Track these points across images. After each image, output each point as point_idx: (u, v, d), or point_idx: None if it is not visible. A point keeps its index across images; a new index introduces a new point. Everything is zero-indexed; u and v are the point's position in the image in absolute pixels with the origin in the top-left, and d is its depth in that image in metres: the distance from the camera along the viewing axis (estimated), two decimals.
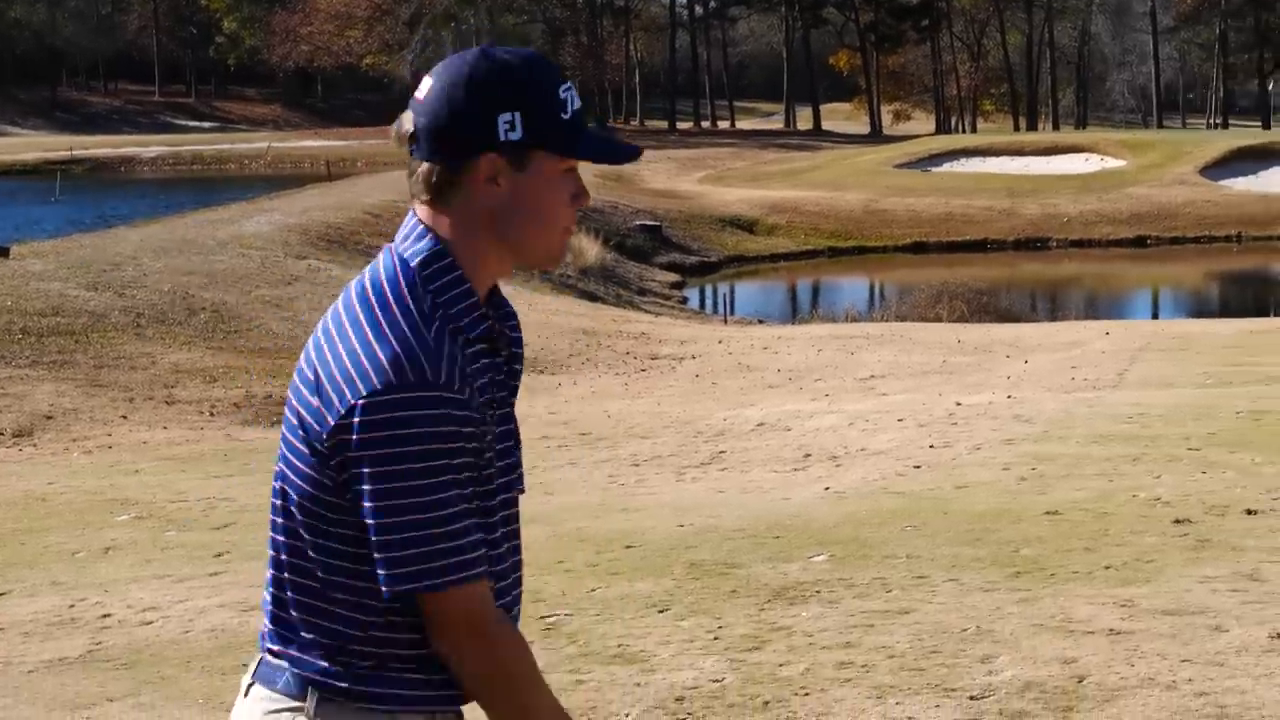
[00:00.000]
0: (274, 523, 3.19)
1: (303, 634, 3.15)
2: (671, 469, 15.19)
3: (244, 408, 19.96)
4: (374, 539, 2.98)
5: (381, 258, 3.14)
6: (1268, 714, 6.68)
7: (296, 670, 3.15)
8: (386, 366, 2.95)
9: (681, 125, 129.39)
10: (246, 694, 3.24)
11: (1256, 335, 27.78)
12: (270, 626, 3.23)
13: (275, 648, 3.20)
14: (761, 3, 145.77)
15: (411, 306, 3.03)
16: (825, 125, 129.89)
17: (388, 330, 2.99)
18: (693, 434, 17.09)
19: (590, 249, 43.33)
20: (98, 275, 26.89)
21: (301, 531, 3.11)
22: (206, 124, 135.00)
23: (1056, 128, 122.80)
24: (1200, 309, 44.36)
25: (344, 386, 2.97)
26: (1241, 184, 65.20)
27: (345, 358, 2.99)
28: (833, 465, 14.85)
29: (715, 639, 8.02)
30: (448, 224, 3.10)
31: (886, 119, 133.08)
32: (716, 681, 7.23)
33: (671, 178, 72.04)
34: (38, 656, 8.39)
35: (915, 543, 10.29)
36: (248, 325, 25.41)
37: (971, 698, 7.09)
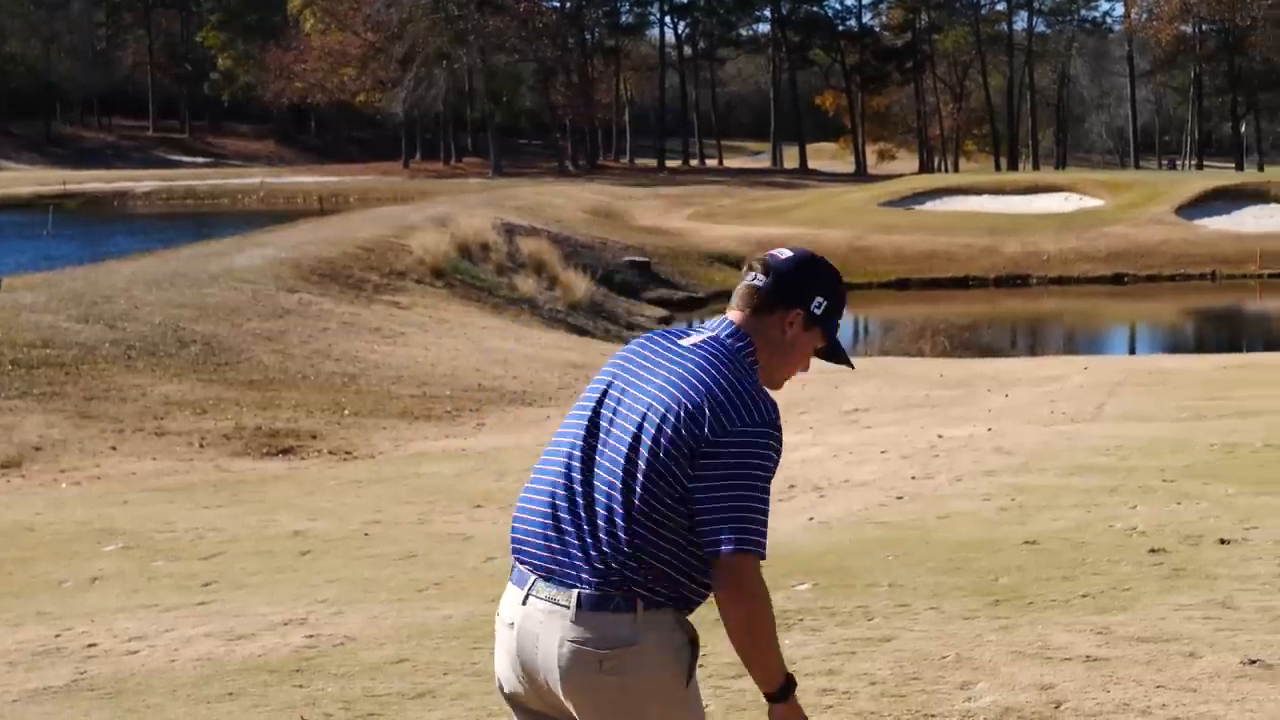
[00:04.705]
0: (613, 498, 4.23)
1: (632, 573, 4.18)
2: None
3: (234, 439, 19.90)
4: (718, 514, 4.15)
5: (704, 338, 4.41)
6: None
7: (625, 590, 4.18)
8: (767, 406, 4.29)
9: (670, 163, 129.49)
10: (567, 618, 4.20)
11: (1230, 371, 27.82)
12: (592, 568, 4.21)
13: (598, 580, 4.19)
14: (749, 44, 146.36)
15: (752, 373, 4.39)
16: (811, 164, 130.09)
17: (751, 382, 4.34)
18: None
19: (579, 284, 43.31)
20: (89, 308, 26.81)
21: (644, 508, 4.19)
22: (200, 159, 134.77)
23: (1037, 168, 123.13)
24: (1176, 345, 44.39)
25: (734, 414, 4.23)
26: (1216, 223, 65.38)
27: (730, 392, 4.26)
28: (817, 496, 14.82)
29: (700, 666, 7.97)
30: (754, 332, 4.45)
31: (871, 158, 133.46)
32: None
33: (660, 215, 72.07)
34: (22, 686, 8.32)
35: (897, 571, 10.27)
36: (238, 357, 25.34)
37: None
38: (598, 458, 4.30)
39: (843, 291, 4.54)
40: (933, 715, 7.19)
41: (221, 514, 14.46)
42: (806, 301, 4.44)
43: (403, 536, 12.81)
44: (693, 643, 4.25)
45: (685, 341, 4.42)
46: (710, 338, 4.40)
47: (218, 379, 23.72)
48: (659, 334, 4.54)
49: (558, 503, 4.32)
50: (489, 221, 49.45)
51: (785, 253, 4.50)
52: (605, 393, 4.41)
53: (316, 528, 13.41)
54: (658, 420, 4.21)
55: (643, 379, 4.35)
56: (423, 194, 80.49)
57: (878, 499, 14.09)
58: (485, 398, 24.91)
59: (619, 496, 4.20)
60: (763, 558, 4.16)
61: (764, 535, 4.17)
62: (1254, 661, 7.84)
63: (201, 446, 19.40)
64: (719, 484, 4.15)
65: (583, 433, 4.37)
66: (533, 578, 4.28)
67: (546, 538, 4.30)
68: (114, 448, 19.04)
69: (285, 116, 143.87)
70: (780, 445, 4.31)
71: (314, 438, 20.30)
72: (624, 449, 4.23)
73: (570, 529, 4.26)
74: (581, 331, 38.76)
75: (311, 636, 9.10)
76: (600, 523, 4.21)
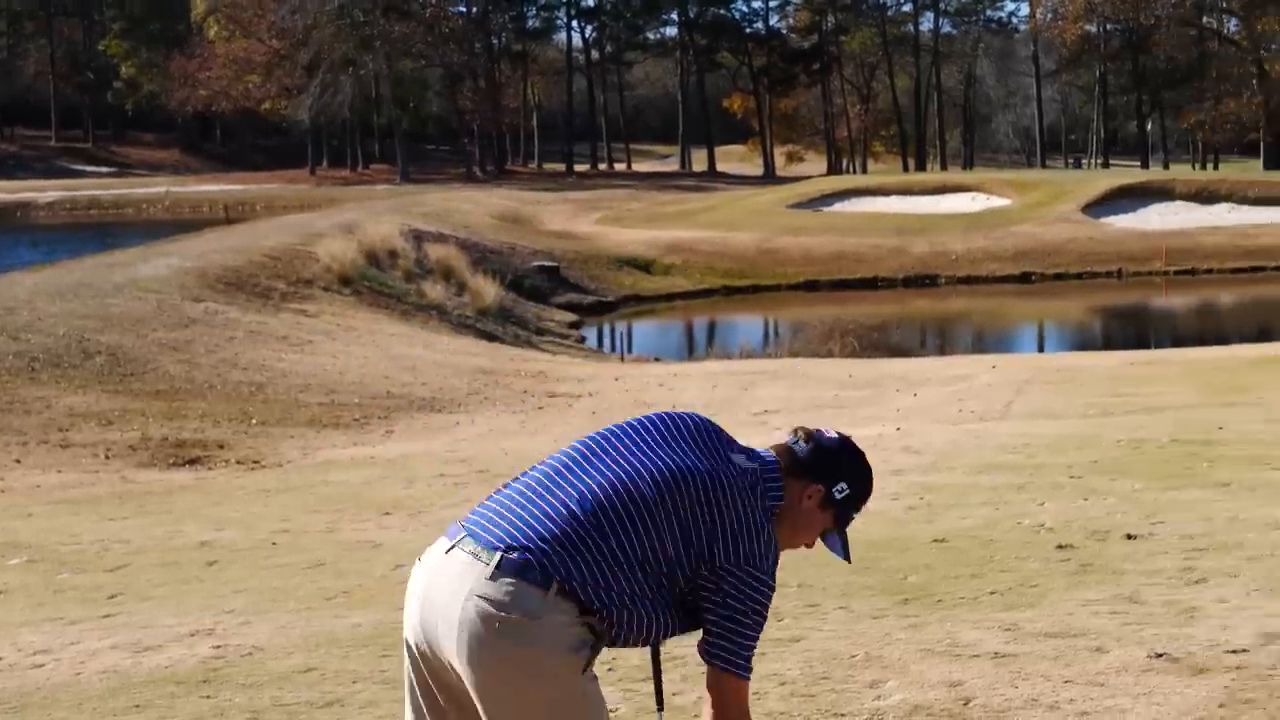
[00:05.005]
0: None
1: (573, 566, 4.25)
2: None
3: (140, 450, 19.76)
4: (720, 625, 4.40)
5: (754, 466, 4.55)
6: None
7: (550, 570, 4.22)
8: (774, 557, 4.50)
9: (579, 168, 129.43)
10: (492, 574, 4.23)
11: (1137, 367, 28.05)
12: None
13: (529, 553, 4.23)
14: (657, 47, 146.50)
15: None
16: (720, 167, 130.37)
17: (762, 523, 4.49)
18: None
19: (488, 290, 43.23)
20: None
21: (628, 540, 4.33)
22: (104, 169, 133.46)
23: (944, 168, 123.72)
24: (1084, 342, 44.72)
25: (738, 551, 4.39)
26: (1122, 221, 65.91)
27: (738, 533, 4.40)
28: None
29: (610, 669, 7.98)
30: (785, 485, 4.58)
31: (779, 160, 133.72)
32: (611, 711, 7.18)
33: (569, 219, 72.02)
34: None
35: (806, 571, 10.28)
36: (144, 368, 25.15)
37: None
38: (608, 468, 4.41)
39: (868, 490, 4.77)
40: (842, 714, 7.21)
41: (127, 525, 14.35)
42: (831, 482, 4.63)
43: (311, 545, 12.75)
44: (595, 642, 4.24)
45: (736, 458, 4.57)
46: (756, 469, 4.57)
47: (123, 390, 23.54)
48: (715, 428, 4.67)
49: (535, 483, 4.42)
50: (396, 228, 49.27)
51: (832, 434, 4.73)
52: (649, 427, 4.59)
53: (224, 538, 13.33)
54: (689, 502, 4.38)
55: (688, 450, 4.51)
56: (330, 201, 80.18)
57: None
58: (394, 405, 24.83)
59: (610, 514, 4.30)
60: (746, 679, 4.51)
61: (749, 658, 4.47)
62: (1160, 655, 7.90)
63: (107, 458, 19.26)
64: (723, 604, 4.40)
65: (607, 442, 4.52)
66: (464, 534, 4.32)
67: (502, 508, 4.37)
68: (18, 460, 18.87)
69: (190, 125, 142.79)
70: (774, 587, 4.53)
71: (221, 447, 20.18)
72: (641, 484, 4.38)
73: (533, 509, 4.32)
74: (491, 337, 38.69)
75: (219, 647, 9.04)
76: (567, 516, 4.27)
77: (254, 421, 22.10)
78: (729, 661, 4.37)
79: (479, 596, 4.14)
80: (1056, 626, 8.61)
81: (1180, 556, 10.37)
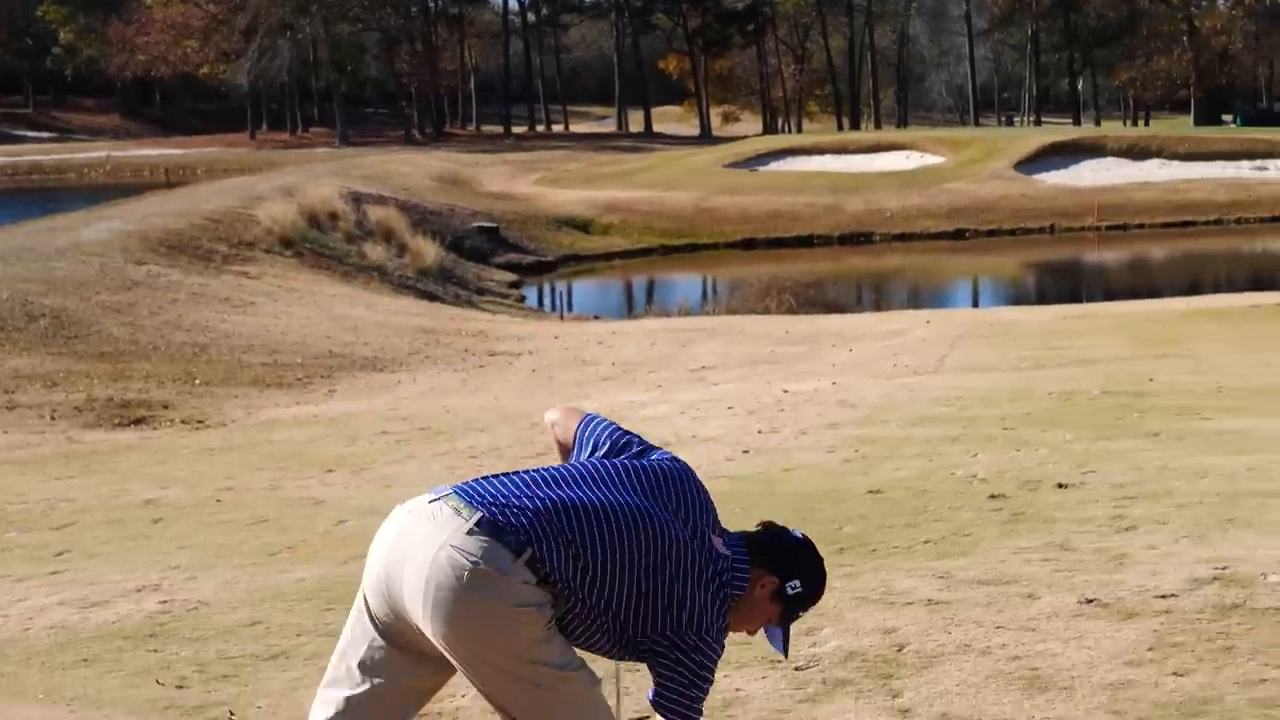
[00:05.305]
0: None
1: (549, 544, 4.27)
2: (508, 461, 15.14)
3: (85, 411, 19.67)
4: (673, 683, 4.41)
5: (724, 554, 4.56)
6: (1077, 675, 6.77)
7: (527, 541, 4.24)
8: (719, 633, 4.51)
9: (516, 129, 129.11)
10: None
11: (1069, 321, 28.21)
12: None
13: (511, 520, 4.26)
14: (592, 9, 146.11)
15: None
16: (656, 128, 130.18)
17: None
18: (529, 426, 17.04)
19: (428, 251, 43.10)
20: None
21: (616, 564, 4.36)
22: (45, 134, 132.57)
23: (879, 127, 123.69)
24: (1016, 297, 44.88)
25: (694, 623, 4.40)
26: (1054, 178, 66.16)
27: (696, 609, 4.42)
28: None
29: None
30: (749, 572, 4.58)
31: (715, 121, 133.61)
32: None
33: (507, 180, 71.86)
34: None
35: (744, 524, 10.28)
36: (88, 330, 25.03)
37: (797, 669, 7.13)
38: (609, 491, 4.46)
39: (818, 592, 4.77)
40: (779, 661, 7.25)
41: (73, 485, 14.31)
42: (787, 576, 4.64)
43: (255, 502, 12.74)
44: (555, 603, 4.26)
45: (714, 539, 4.59)
46: (728, 556, 4.59)
47: (68, 352, 23.43)
48: (710, 504, 4.69)
49: (532, 477, 4.46)
50: (336, 191, 49.09)
51: (798, 533, 4.78)
52: (661, 476, 4.61)
53: (169, 496, 13.31)
54: (669, 565, 4.43)
55: (682, 517, 4.55)
56: (270, 165, 79.82)
57: (724, 453, 14.17)
58: (336, 364, 24.79)
59: (598, 528, 4.34)
60: None
61: (699, 709, 4.47)
62: (1090, 601, 7.97)
63: (53, 419, 19.17)
64: (676, 664, 4.41)
65: (617, 472, 4.57)
66: (451, 492, 4.35)
67: (495, 484, 4.42)
68: None
69: (130, 90, 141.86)
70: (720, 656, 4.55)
71: (165, 408, 20.12)
72: (634, 523, 4.43)
73: (527, 493, 4.36)
74: (431, 297, 38.60)
75: (165, 602, 9.04)
76: (557, 510, 4.31)
77: (198, 382, 22.04)
78: (681, 715, 4.41)
79: (453, 547, 4.16)
80: (989, 574, 8.68)
81: (1110, 505, 10.46)
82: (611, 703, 4.72)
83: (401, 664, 4.38)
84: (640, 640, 4.38)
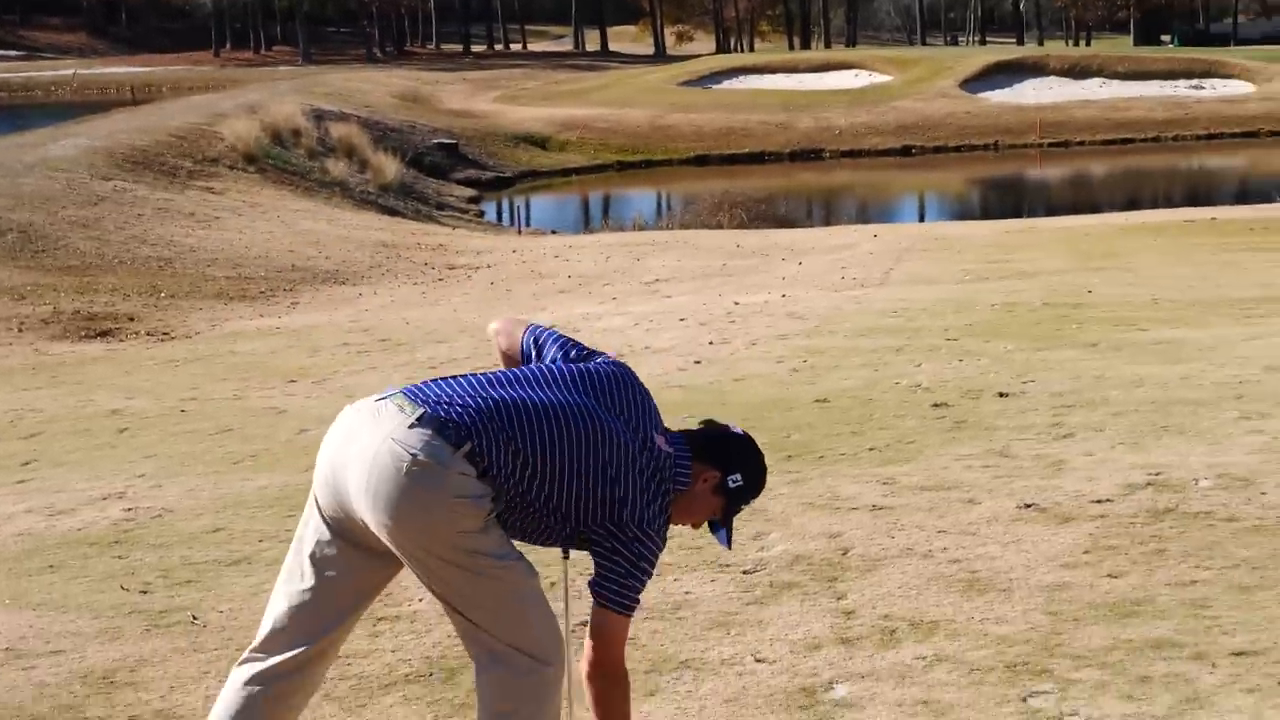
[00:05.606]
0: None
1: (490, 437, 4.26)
2: (466, 371, 15.12)
3: (52, 323, 19.55)
4: (611, 571, 4.40)
5: (665, 451, 4.52)
6: (1015, 577, 6.79)
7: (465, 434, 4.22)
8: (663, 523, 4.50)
9: (476, 48, 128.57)
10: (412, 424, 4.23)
11: (1011, 235, 28.24)
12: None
13: (453, 418, 4.24)
14: None
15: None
16: (612, 46, 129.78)
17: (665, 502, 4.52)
18: (486, 338, 17.05)
19: (389, 167, 42.94)
20: None
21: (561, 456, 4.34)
22: (12, 53, 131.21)
23: (828, 46, 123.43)
24: (961, 212, 44.93)
25: (635, 516, 4.38)
26: (998, 96, 66.21)
27: (636, 501, 4.39)
28: None
29: None
30: (691, 468, 4.56)
31: (670, 40, 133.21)
32: None
33: (467, 98, 71.54)
34: None
35: None
36: (55, 245, 24.86)
37: (745, 572, 7.14)
38: (554, 392, 4.44)
39: (759, 486, 4.75)
40: (728, 565, 7.26)
41: (40, 395, 14.23)
42: (727, 470, 4.62)
43: (218, 412, 12.69)
44: (495, 497, 4.25)
45: (657, 438, 4.57)
46: (670, 454, 4.56)
47: (35, 266, 23.27)
48: (652, 404, 4.68)
49: (478, 379, 4.45)
50: (299, 108, 48.80)
51: (738, 429, 4.79)
52: (604, 379, 4.60)
53: (134, 406, 13.25)
54: (611, 462, 4.40)
55: (624, 415, 4.54)
56: (233, 83, 79.30)
57: (677, 364, 14.15)
58: (299, 278, 24.69)
59: (541, 425, 4.32)
60: (629, 615, 4.46)
61: (636, 600, 4.44)
62: (1029, 505, 8.00)
63: (20, 331, 19.05)
64: (614, 553, 4.38)
65: (563, 376, 4.55)
66: (397, 392, 4.36)
67: (440, 386, 4.41)
68: None
69: (96, 9, 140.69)
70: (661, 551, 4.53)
71: (131, 320, 20.01)
72: (576, 422, 4.40)
73: (471, 392, 4.36)
74: (392, 212, 38.46)
75: (130, 510, 9.01)
76: (500, 408, 4.30)
77: (163, 295, 21.92)
78: (617, 603, 4.38)
79: (393, 440, 4.16)
80: (931, 480, 8.71)
81: (1049, 413, 10.49)
82: (559, 606, 4.72)
83: (351, 558, 4.38)
84: (582, 531, 4.38)
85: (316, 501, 4.40)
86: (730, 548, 4.97)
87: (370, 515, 4.19)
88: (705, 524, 4.75)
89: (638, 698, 5.55)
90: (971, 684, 5.66)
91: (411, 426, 4.18)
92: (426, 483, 4.13)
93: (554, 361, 4.69)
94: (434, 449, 4.15)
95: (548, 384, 4.46)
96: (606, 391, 4.52)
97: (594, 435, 4.36)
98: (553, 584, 5.89)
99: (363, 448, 4.21)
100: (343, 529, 4.34)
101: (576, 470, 4.32)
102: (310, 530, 4.44)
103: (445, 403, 4.27)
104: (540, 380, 4.47)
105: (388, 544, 4.24)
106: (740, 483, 4.63)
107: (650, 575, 4.45)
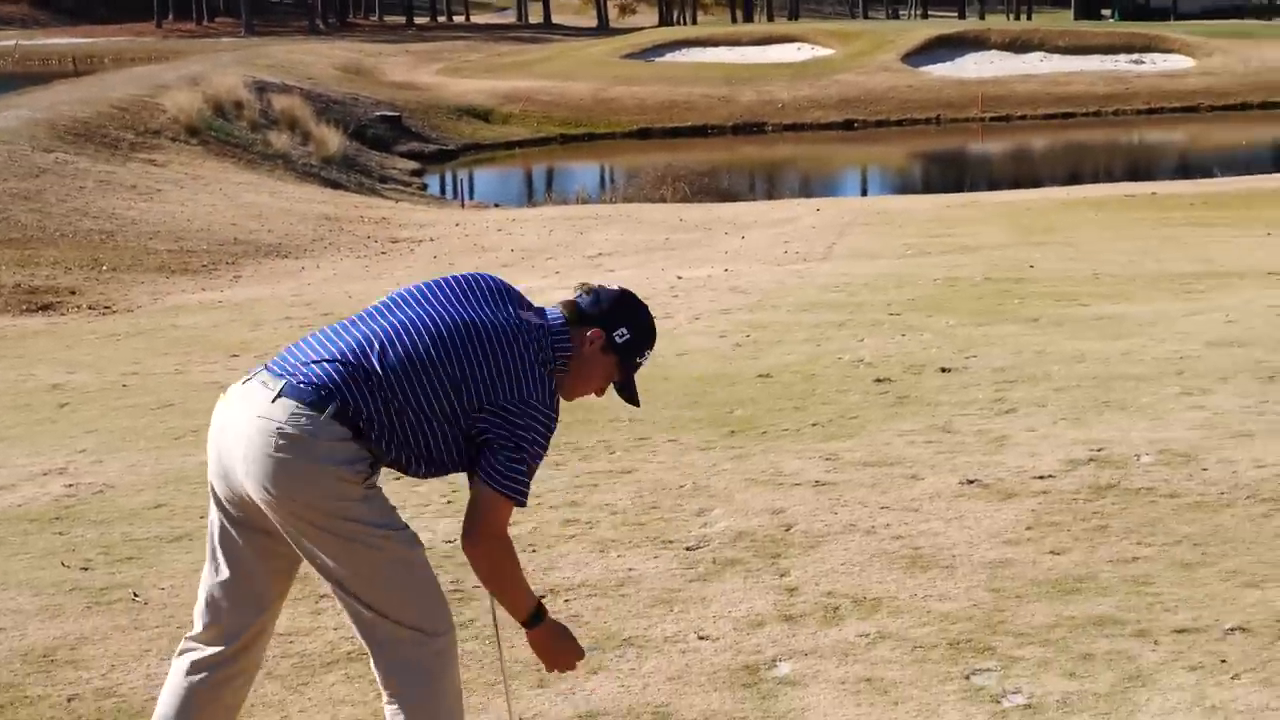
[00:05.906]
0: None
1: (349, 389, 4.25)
2: None
3: None
4: (499, 449, 4.32)
5: (537, 323, 4.49)
6: (958, 553, 6.80)
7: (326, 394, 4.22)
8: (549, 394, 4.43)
9: (418, 20, 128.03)
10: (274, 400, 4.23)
11: (953, 209, 28.29)
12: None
13: (309, 381, 4.24)
14: None
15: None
16: (555, 19, 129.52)
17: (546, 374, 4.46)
18: None
19: (332, 139, 42.74)
20: None
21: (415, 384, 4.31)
22: None
23: (771, 19, 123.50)
24: (903, 186, 45.03)
25: (517, 392, 4.34)
26: (940, 70, 66.34)
27: (516, 377, 4.37)
28: None
29: (449, 502, 7.99)
30: (572, 336, 4.51)
31: (613, 13, 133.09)
32: (449, 542, 7.18)
33: (409, 70, 71.27)
34: None
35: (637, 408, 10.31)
36: None
37: (688, 549, 7.13)
38: (397, 317, 4.40)
39: (649, 337, 4.66)
40: (670, 541, 7.26)
41: None
42: (611, 327, 4.55)
43: (160, 387, 12.60)
44: (372, 460, 4.24)
45: (525, 315, 4.51)
46: (543, 325, 4.51)
47: None
48: (509, 288, 4.62)
49: (331, 330, 4.42)
50: (241, 80, 48.52)
51: (613, 287, 4.70)
52: (447, 285, 4.52)
53: (75, 380, 13.14)
54: (470, 349, 4.34)
55: (477, 306, 4.48)
56: (175, 54, 78.74)
57: None
58: (241, 251, 24.55)
59: (391, 354, 4.29)
60: (522, 505, 4.36)
61: (525, 485, 4.34)
62: (971, 481, 8.01)
63: None
64: (501, 430, 4.30)
65: (406, 297, 4.50)
66: (261, 369, 4.35)
67: (298, 349, 4.39)
68: None
69: None
70: (554, 427, 4.44)
71: (73, 293, 19.85)
72: (425, 331, 4.35)
73: (323, 348, 4.34)
74: (335, 185, 38.28)
75: (71, 486, 8.94)
76: (350, 354, 4.28)
77: (105, 268, 21.76)
78: (501, 483, 4.27)
79: (259, 416, 4.18)
80: (874, 456, 8.71)
81: (991, 388, 10.51)
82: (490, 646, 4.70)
83: (257, 544, 4.38)
84: (470, 428, 4.33)
85: (214, 493, 4.39)
86: (638, 404, 4.77)
87: (255, 495, 4.21)
88: (611, 389, 4.70)
89: (581, 675, 5.53)
90: (914, 661, 5.66)
91: (275, 400, 4.19)
92: (296, 453, 4.14)
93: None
94: (299, 418, 4.16)
95: (397, 307, 4.45)
96: (463, 292, 4.50)
97: (457, 335, 4.34)
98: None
99: (237, 432, 4.24)
100: (243, 516, 4.35)
101: (448, 373, 4.30)
102: (215, 522, 4.43)
103: (305, 365, 4.27)
104: (389, 307, 4.46)
105: (274, 522, 4.24)
106: (628, 336, 4.57)
107: (539, 458, 4.36)
